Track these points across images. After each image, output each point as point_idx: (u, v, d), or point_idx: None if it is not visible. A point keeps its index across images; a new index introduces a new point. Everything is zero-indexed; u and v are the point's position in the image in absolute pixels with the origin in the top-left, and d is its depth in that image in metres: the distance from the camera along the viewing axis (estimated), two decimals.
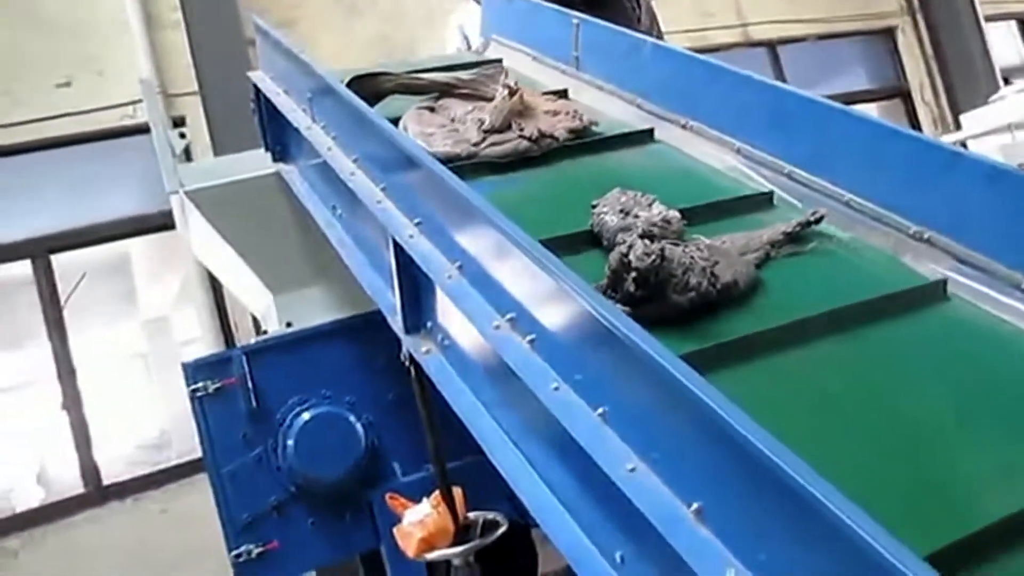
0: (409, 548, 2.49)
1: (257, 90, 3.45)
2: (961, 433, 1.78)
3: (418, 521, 2.50)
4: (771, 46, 9.91)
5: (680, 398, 1.37)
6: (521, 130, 2.79)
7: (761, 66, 9.46)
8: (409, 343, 2.33)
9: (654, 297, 1.96)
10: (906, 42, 10.61)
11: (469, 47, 4.27)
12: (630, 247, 1.94)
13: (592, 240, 2.33)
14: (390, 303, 2.40)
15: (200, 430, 3.24)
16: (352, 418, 3.29)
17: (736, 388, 1.55)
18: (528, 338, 1.80)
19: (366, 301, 2.68)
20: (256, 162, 3.49)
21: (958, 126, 8.87)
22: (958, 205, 2.17)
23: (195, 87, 6.75)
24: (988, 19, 10.40)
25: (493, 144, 2.76)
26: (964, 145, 7.00)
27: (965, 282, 2.14)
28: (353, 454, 3.24)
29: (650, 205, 2.29)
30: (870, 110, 9.55)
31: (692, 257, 2.01)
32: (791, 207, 2.51)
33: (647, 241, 1.96)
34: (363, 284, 2.61)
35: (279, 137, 3.40)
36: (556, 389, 1.69)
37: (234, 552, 3.12)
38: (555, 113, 2.95)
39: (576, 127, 2.88)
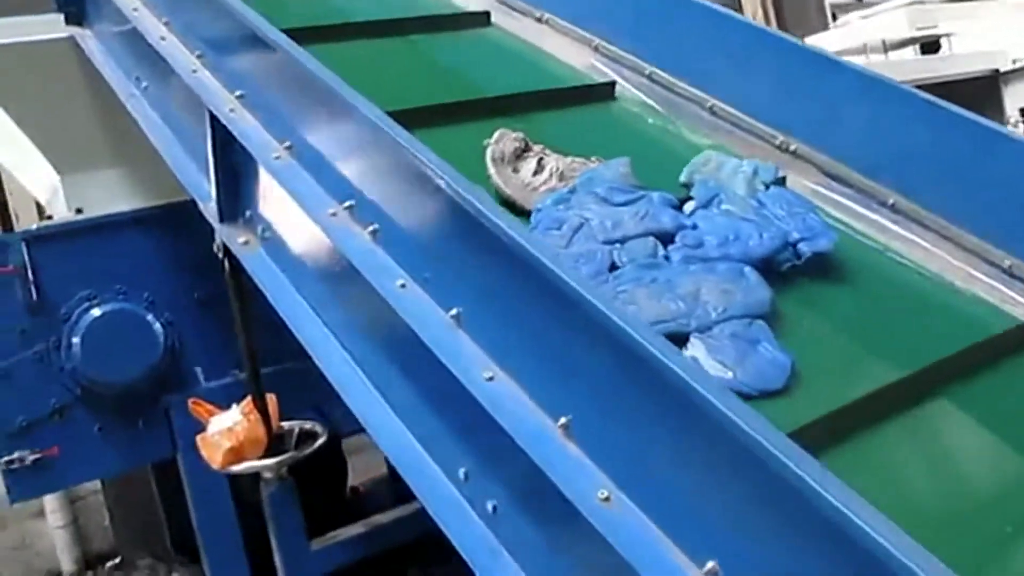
0: (215, 459, 2.23)
1: None
2: None
3: (226, 429, 2.24)
4: None
5: (547, 294, 1.19)
6: None
7: None
8: (224, 233, 2.05)
9: None
10: None
11: None
12: None
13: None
14: (203, 188, 2.11)
15: None
16: (150, 317, 2.95)
17: None
18: (370, 229, 1.58)
19: (172, 189, 2.39)
20: (47, 25, 3.03)
21: None
22: (828, 115, 2.08)
23: None
24: None
25: None
26: None
27: (833, 197, 2.06)
28: (149, 356, 2.90)
29: None
30: None
31: None
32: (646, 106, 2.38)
33: None
34: (171, 166, 2.29)
35: None
36: (403, 287, 1.49)
37: (5, 459, 2.76)
38: None
39: None
